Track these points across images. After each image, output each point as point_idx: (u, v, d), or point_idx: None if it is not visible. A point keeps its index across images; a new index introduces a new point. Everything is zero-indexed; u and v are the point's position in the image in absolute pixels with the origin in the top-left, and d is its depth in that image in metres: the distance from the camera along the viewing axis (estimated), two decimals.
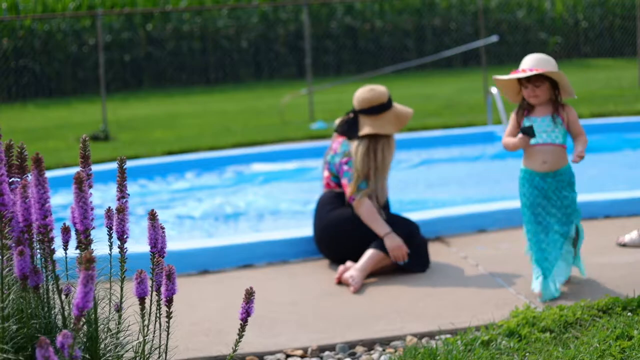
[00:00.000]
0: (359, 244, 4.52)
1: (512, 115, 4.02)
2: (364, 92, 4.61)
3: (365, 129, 4.54)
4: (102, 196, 6.99)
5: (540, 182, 3.91)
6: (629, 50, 21.31)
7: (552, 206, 3.89)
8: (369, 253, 4.39)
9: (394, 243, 4.40)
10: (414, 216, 5.00)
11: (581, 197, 5.59)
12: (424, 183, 8.20)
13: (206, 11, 21.77)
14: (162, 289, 2.35)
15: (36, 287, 2.16)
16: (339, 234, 4.58)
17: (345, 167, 4.55)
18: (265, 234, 5.11)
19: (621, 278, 4.05)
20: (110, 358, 2.30)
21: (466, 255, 4.67)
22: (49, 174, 2.43)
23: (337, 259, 4.61)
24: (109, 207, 2.39)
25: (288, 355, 3.41)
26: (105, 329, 2.35)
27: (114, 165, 2.51)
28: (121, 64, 21.19)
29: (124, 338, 2.39)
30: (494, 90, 10.28)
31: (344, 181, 4.55)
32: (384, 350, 3.41)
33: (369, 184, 4.54)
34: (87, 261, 1.80)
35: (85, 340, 2.24)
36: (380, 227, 4.45)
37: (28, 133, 13.13)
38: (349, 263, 4.42)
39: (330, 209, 4.63)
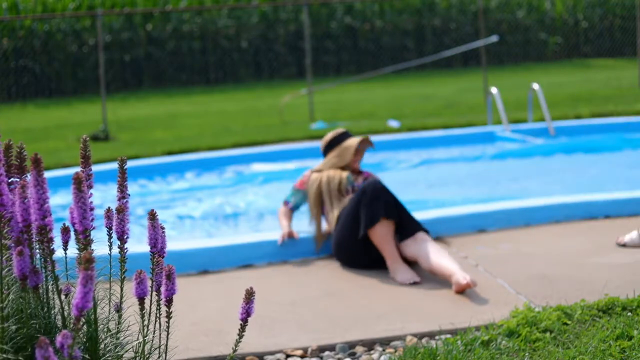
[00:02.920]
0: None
1: None
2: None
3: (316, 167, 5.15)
4: (102, 196, 6.98)
5: None
6: (629, 50, 21.31)
7: None
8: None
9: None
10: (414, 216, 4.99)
11: (581, 197, 5.62)
12: (424, 183, 8.19)
13: (206, 11, 21.77)
14: (162, 289, 2.34)
15: (36, 287, 2.15)
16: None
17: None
18: (265, 234, 5.11)
19: (621, 278, 4.05)
20: (110, 358, 2.29)
21: (466, 255, 4.67)
22: (48, 174, 2.43)
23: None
24: (109, 207, 2.39)
25: (288, 355, 3.41)
26: (105, 329, 2.35)
27: (114, 165, 2.50)
28: (121, 64, 21.19)
29: (124, 338, 2.38)
30: (494, 90, 10.28)
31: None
32: (384, 350, 3.41)
33: (296, 200, 5.11)
34: (87, 261, 1.80)
35: (84, 340, 2.24)
36: (281, 225, 5.04)
37: (28, 133, 13.13)
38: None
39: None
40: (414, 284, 4.26)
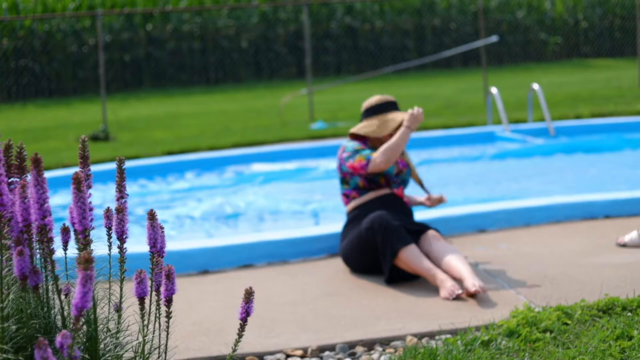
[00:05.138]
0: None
1: None
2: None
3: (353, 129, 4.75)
4: (102, 196, 6.98)
5: None
6: (629, 50, 21.32)
7: None
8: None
9: (410, 116, 4.50)
10: (414, 216, 4.98)
11: (581, 197, 5.62)
12: (424, 183, 8.17)
13: (206, 11, 21.77)
14: (162, 288, 2.34)
15: (36, 287, 2.15)
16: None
17: (345, 154, 4.61)
18: (265, 234, 5.11)
19: (621, 278, 4.05)
20: (109, 358, 2.29)
21: (466, 256, 4.67)
22: (48, 174, 2.43)
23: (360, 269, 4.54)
24: (108, 207, 2.39)
25: (288, 355, 3.41)
26: (105, 329, 2.35)
27: (113, 165, 2.50)
28: (121, 64, 21.19)
29: (124, 338, 2.38)
30: (494, 90, 10.28)
31: (349, 163, 4.57)
32: (384, 350, 3.41)
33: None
34: (86, 261, 1.80)
35: (84, 340, 2.24)
36: (396, 137, 4.51)
37: (28, 133, 13.13)
38: None
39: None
40: (457, 297, 3.99)
